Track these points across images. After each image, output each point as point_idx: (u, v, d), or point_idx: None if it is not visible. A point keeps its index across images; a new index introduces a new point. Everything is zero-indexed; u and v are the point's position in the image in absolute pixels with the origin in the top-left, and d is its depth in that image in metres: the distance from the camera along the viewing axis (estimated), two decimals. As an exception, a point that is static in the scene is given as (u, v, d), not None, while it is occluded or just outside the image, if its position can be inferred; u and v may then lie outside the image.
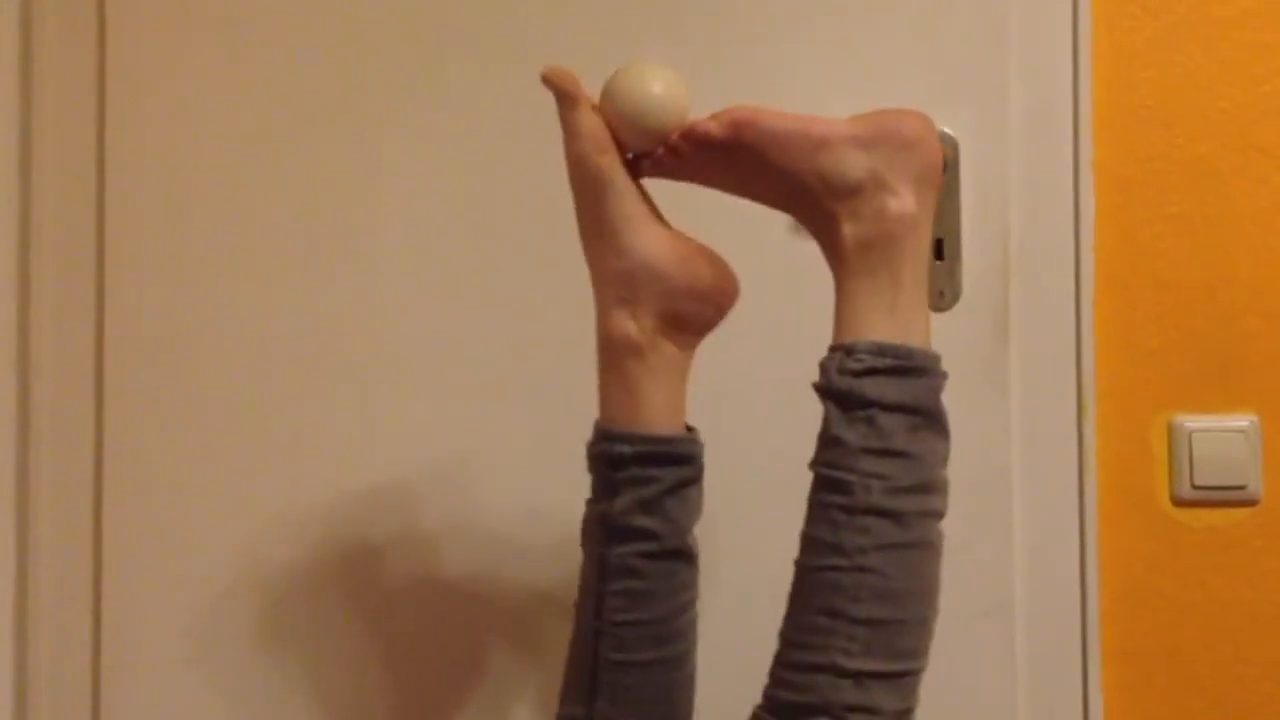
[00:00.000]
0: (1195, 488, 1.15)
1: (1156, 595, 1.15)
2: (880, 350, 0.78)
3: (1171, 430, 1.15)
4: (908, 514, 0.77)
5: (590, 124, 0.84)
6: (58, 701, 1.21)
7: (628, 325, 0.84)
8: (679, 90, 0.84)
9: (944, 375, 0.81)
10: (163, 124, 1.22)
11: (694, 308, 0.85)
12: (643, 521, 0.84)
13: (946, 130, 1.15)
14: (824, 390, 0.79)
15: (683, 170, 0.85)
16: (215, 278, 1.21)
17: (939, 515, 0.80)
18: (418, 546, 1.18)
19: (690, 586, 0.87)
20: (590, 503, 0.87)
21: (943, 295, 1.15)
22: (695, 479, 0.86)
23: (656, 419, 0.85)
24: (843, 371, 0.78)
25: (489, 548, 1.18)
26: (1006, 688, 1.14)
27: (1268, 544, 1.15)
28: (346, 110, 1.21)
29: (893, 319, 0.79)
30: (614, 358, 0.85)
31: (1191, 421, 1.15)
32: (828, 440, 0.78)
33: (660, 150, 0.83)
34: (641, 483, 0.84)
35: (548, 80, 0.85)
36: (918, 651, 0.78)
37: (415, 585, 1.18)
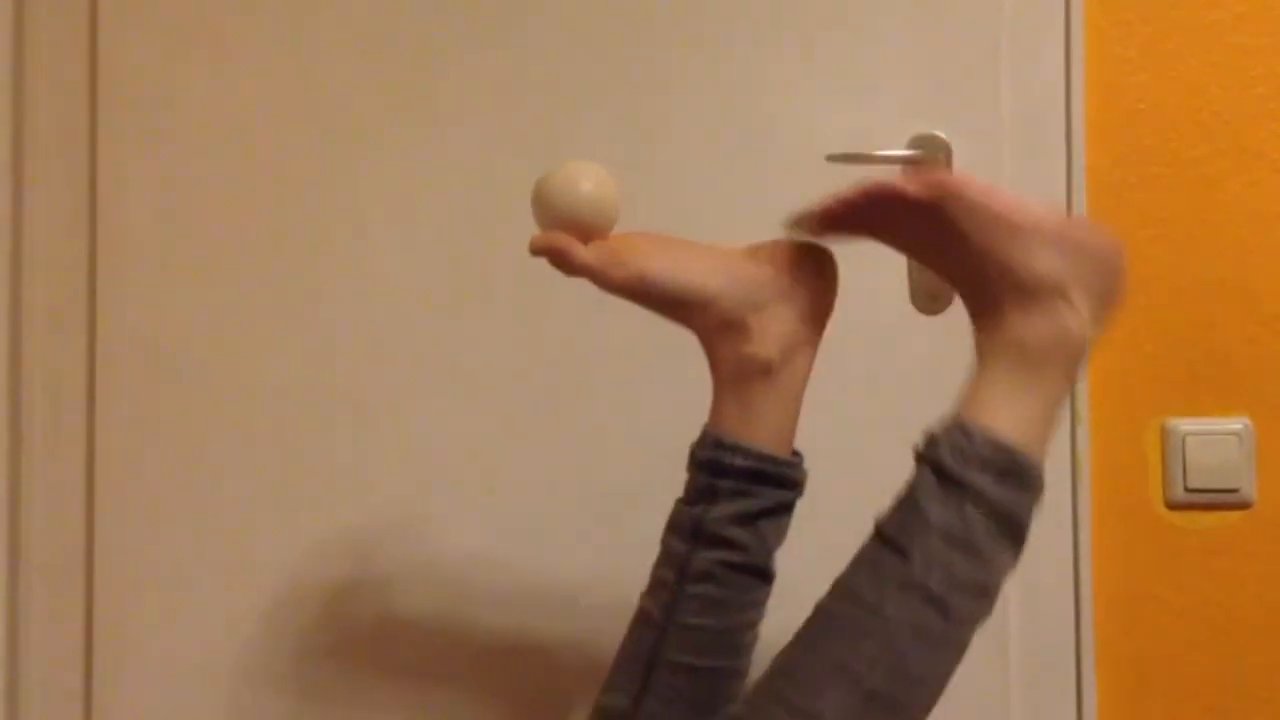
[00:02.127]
0: (1189, 491, 1.15)
1: (1150, 598, 1.15)
2: (999, 447, 0.75)
3: (1165, 433, 1.15)
4: (955, 609, 0.74)
5: (591, 256, 0.84)
6: (49, 708, 1.20)
7: (760, 348, 0.84)
8: (609, 188, 0.84)
9: (1042, 495, 0.78)
10: (155, 133, 1.22)
11: (805, 299, 0.86)
12: (736, 533, 0.84)
13: (939, 134, 1.15)
14: (927, 459, 0.76)
15: (865, 228, 0.83)
16: (207, 287, 1.21)
17: (979, 622, 0.77)
18: (412, 556, 1.18)
19: (761, 605, 0.87)
20: (683, 503, 0.87)
21: (935, 299, 1.15)
22: (792, 505, 0.87)
23: (771, 438, 0.85)
24: (954, 449, 0.75)
25: (485, 562, 1.18)
26: (1000, 691, 1.14)
27: (1261, 547, 1.15)
28: (340, 119, 1.20)
29: (1021, 422, 0.76)
30: (741, 375, 0.85)
31: (1185, 425, 1.15)
32: (910, 506, 0.75)
33: (834, 203, 0.81)
34: (745, 496, 0.84)
35: (535, 253, 0.85)
36: None
37: (409, 595, 1.18)
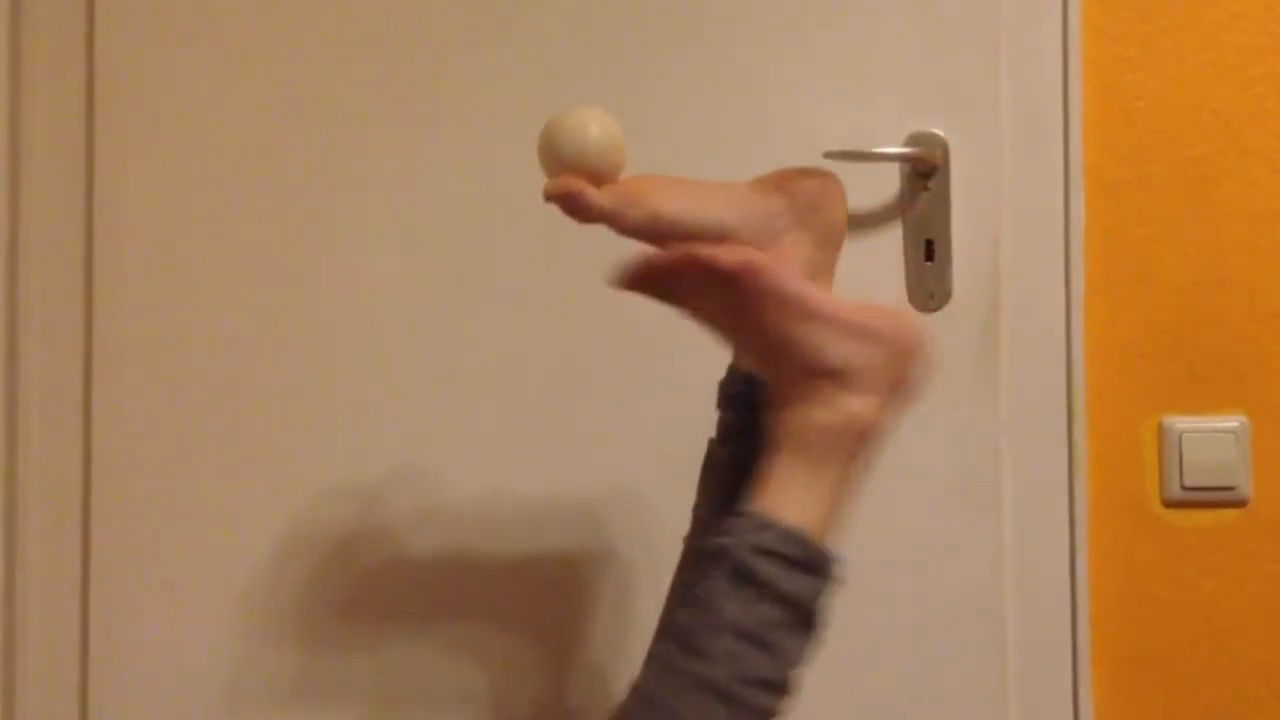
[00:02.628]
0: (1185, 489, 1.15)
1: (1147, 596, 1.15)
2: (791, 537, 0.75)
3: (1161, 431, 1.15)
4: (748, 706, 0.74)
5: (605, 199, 0.82)
6: (46, 706, 1.20)
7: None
8: (616, 132, 0.82)
9: (832, 580, 0.78)
10: (152, 130, 1.22)
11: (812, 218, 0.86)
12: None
13: (937, 132, 1.15)
14: (720, 552, 0.76)
15: (670, 294, 0.82)
16: (204, 284, 1.21)
17: (771, 715, 0.76)
18: (410, 551, 1.18)
19: None
20: (717, 442, 0.88)
21: (932, 297, 1.15)
22: None
23: None
24: (747, 544, 0.75)
25: (485, 549, 1.18)
26: (997, 690, 1.14)
27: (1258, 545, 1.15)
28: (336, 115, 1.20)
29: (810, 510, 0.77)
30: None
31: (1181, 423, 1.15)
32: (702, 601, 0.75)
33: (660, 266, 0.80)
34: None
35: (549, 199, 0.83)
36: None
37: (406, 589, 1.18)
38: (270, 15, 1.21)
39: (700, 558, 0.78)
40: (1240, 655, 1.15)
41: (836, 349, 0.78)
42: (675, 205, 0.83)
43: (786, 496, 0.77)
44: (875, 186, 1.16)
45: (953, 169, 1.15)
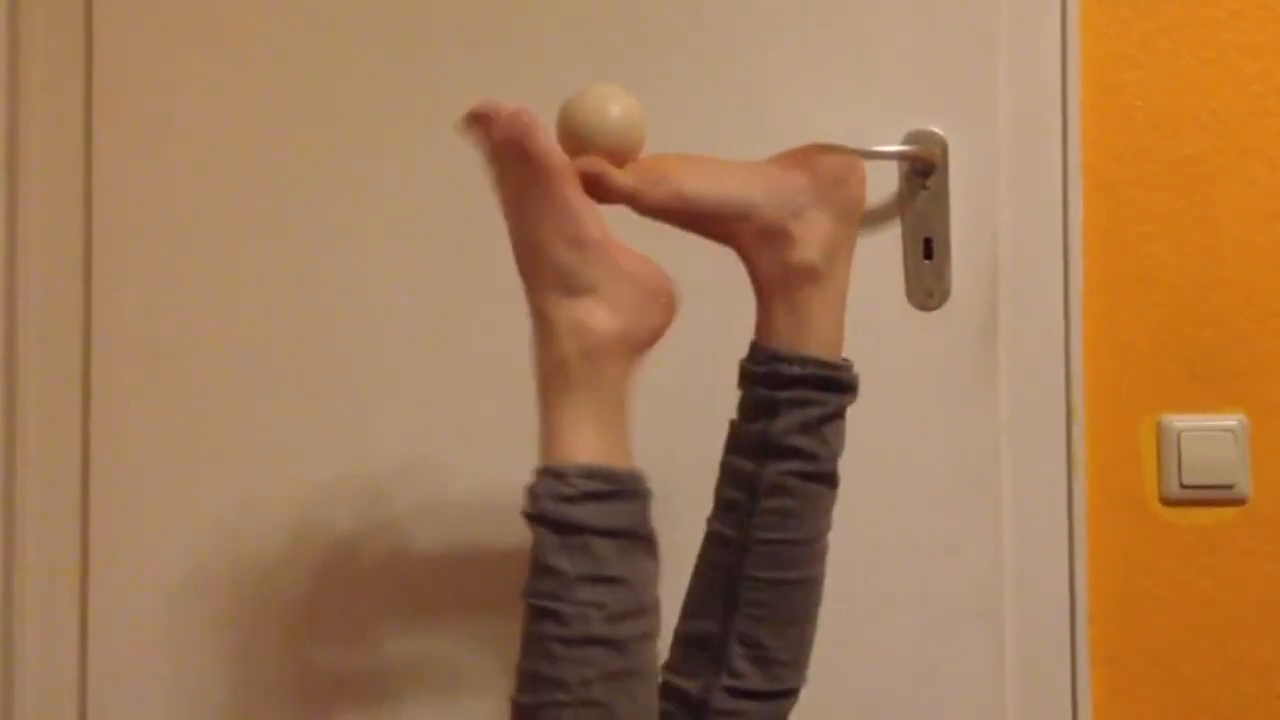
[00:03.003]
0: (1184, 487, 1.15)
1: (1145, 595, 1.15)
2: (590, 473, 0.76)
3: (1160, 430, 1.15)
4: (627, 640, 0.75)
5: (627, 178, 0.82)
6: (44, 701, 1.20)
7: (805, 254, 0.85)
8: (636, 109, 0.82)
9: (649, 494, 0.79)
10: (150, 127, 1.22)
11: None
12: (802, 442, 0.85)
13: (935, 130, 1.15)
14: (536, 518, 0.76)
15: (492, 148, 0.84)
16: (202, 280, 1.21)
17: (653, 637, 0.78)
18: (407, 546, 1.18)
19: (830, 513, 0.88)
20: (741, 421, 0.88)
21: (931, 295, 1.15)
22: (844, 410, 0.88)
23: (823, 345, 0.86)
24: (556, 498, 0.76)
25: (481, 545, 1.17)
26: (995, 688, 1.14)
27: (1256, 543, 1.15)
28: (333, 112, 1.20)
29: (597, 438, 0.77)
30: (789, 283, 0.86)
31: (1180, 421, 1.15)
32: (542, 569, 0.76)
33: (496, 114, 0.82)
34: (807, 404, 0.85)
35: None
36: None
37: (407, 587, 1.18)
38: (269, 15, 1.21)
39: (531, 530, 0.77)
40: (1238, 653, 1.15)
41: (590, 270, 0.79)
42: (697, 184, 0.84)
43: (569, 435, 0.78)
44: (874, 185, 1.14)
45: (951, 167, 1.15)
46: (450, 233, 1.19)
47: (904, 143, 1.15)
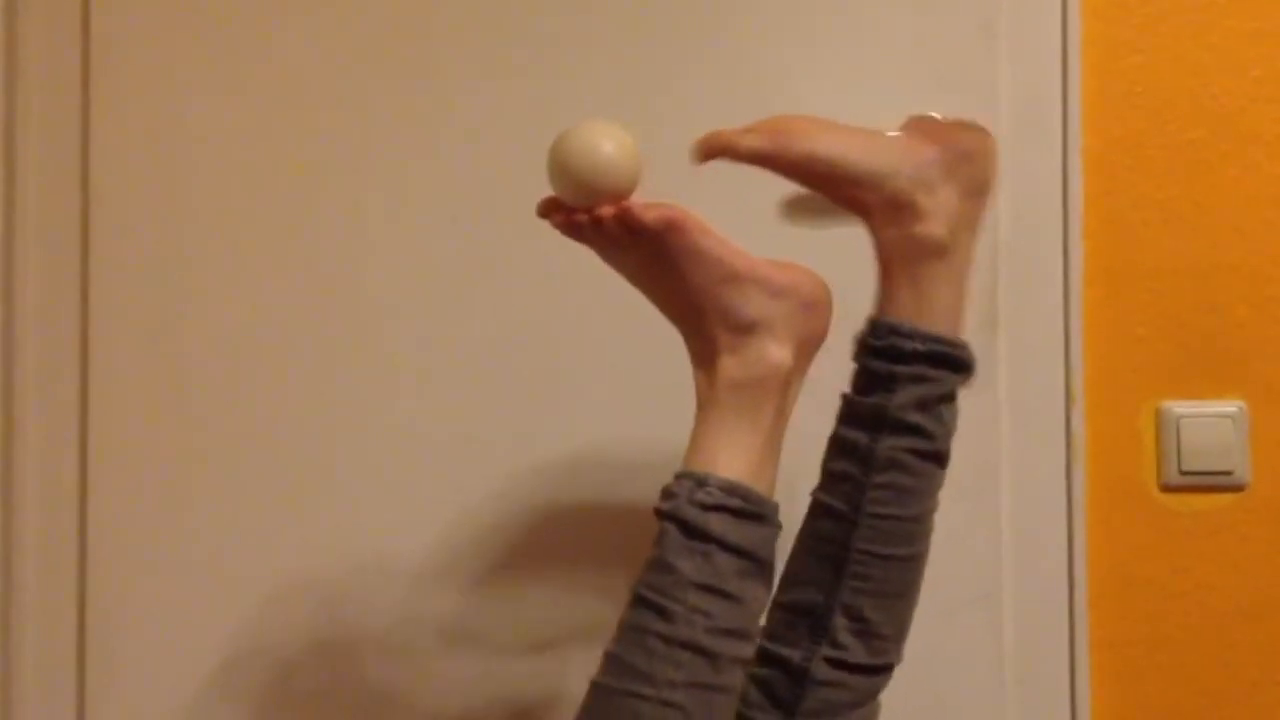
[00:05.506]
0: (1183, 474, 1.15)
1: (1144, 581, 1.16)
2: (732, 490, 0.78)
3: (1160, 416, 1.16)
4: (723, 656, 0.76)
5: (757, 139, 0.84)
6: (45, 705, 1.20)
7: (934, 228, 0.85)
8: (633, 156, 0.81)
9: (779, 527, 0.81)
10: (148, 118, 1.21)
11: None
12: (920, 419, 0.85)
13: (935, 117, 1.14)
14: (668, 514, 0.78)
15: (597, 242, 0.83)
16: (201, 271, 1.21)
17: (746, 664, 0.79)
18: (411, 548, 1.18)
19: (938, 491, 0.89)
20: (855, 394, 0.88)
21: (932, 282, 1.15)
22: (958, 389, 0.88)
23: (944, 321, 0.86)
24: (692, 502, 0.77)
25: (480, 543, 1.17)
26: (994, 674, 1.14)
27: (1255, 530, 1.15)
28: (334, 103, 1.20)
29: (747, 462, 0.79)
30: (914, 257, 0.86)
31: (1180, 407, 1.15)
32: (660, 565, 0.77)
33: (583, 216, 0.81)
34: (925, 381, 0.85)
35: (703, 157, 0.85)
36: None
37: (408, 586, 1.18)
38: (267, 11, 1.21)
39: (660, 527, 0.79)
40: (1237, 639, 1.15)
41: (753, 304, 0.81)
42: (830, 147, 0.85)
43: (718, 452, 0.79)
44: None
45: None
46: (452, 231, 1.19)
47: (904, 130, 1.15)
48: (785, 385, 0.81)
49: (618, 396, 1.17)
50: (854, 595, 0.85)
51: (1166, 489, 1.16)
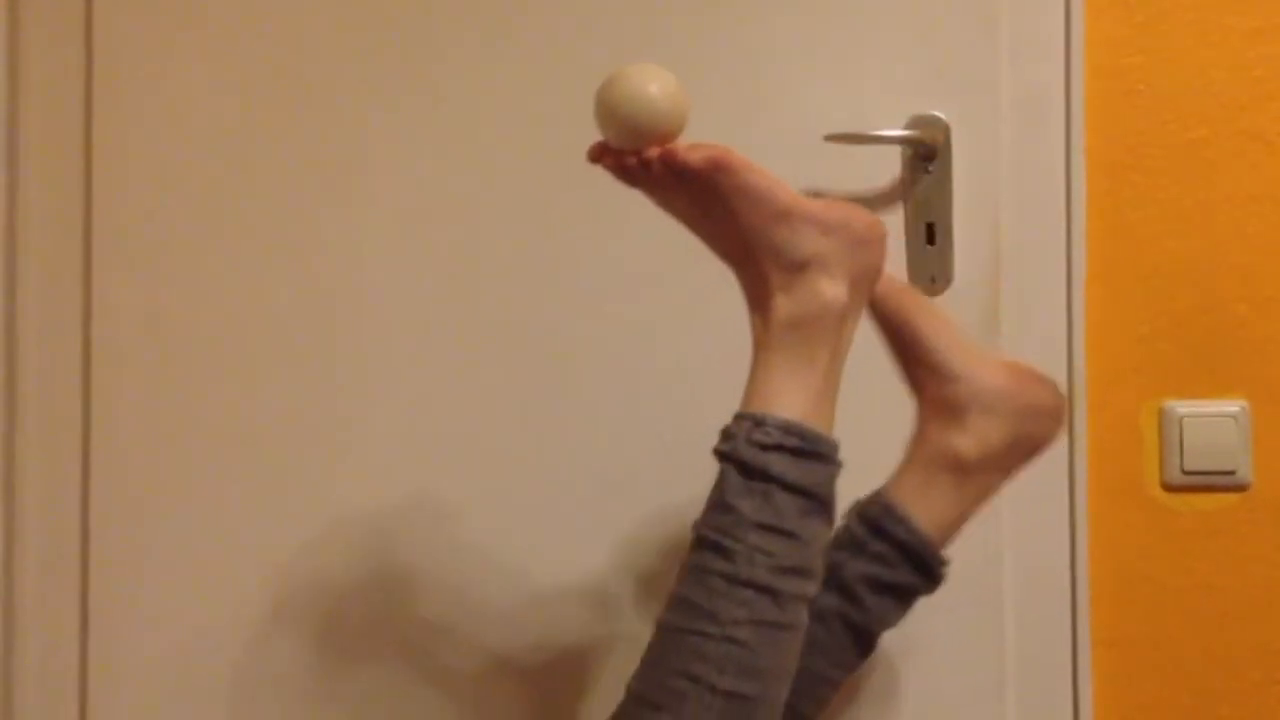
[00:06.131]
0: (1185, 473, 1.15)
1: (1146, 580, 1.15)
2: (789, 429, 0.78)
3: (1162, 415, 1.15)
4: (785, 594, 0.77)
5: (888, 290, 0.91)
6: (45, 699, 1.20)
7: (967, 446, 0.89)
8: (678, 97, 0.81)
9: (840, 465, 0.82)
10: (149, 117, 1.21)
11: (1031, 427, 0.91)
12: (865, 593, 0.89)
13: (938, 114, 1.14)
14: (727, 455, 0.79)
15: (648, 186, 0.84)
16: (202, 271, 1.20)
17: (810, 601, 0.80)
18: (412, 548, 1.18)
19: (847, 672, 0.92)
20: (830, 546, 0.88)
21: (934, 280, 1.15)
22: (916, 597, 0.92)
23: (936, 527, 0.89)
24: (750, 442, 0.78)
25: (480, 542, 1.17)
26: (995, 673, 1.14)
27: (1257, 529, 1.15)
28: (332, 103, 1.20)
29: (804, 401, 0.80)
30: (937, 460, 0.90)
31: (1182, 407, 1.15)
32: (720, 505, 0.78)
33: (632, 159, 0.82)
34: (887, 564, 0.89)
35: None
36: None
37: (408, 586, 1.18)
38: (269, 11, 1.20)
39: (720, 468, 0.80)
40: (1238, 639, 1.15)
41: (805, 241, 0.81)
42: (929, 328, 0.91)
43: (775, 392, 0.80)
44: (876, 169, 1.15)
45: (954, 152, 1.14)
46: (453, 229, 1.19)
47: (906, 127, 1.15)
48: (840, 322, 0.81)
49: (617, 395, 1.16)
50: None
51: (1168, 488, 1.15)
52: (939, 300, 1.14)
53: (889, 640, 1.13)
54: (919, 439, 0.91)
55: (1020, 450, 0.91)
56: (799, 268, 0.81)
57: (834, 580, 0.87)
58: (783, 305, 0.81)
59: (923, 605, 1.13)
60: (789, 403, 0.79)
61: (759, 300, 0.82)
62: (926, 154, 1.14)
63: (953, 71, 1.15)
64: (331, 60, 1.20)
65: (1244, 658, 1.15)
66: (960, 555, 1.13)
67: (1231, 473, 1.15)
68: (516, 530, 1.17)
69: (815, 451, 0.79)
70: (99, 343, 1.20)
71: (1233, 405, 1.15)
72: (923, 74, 1.16)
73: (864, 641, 0.89)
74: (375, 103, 1.19)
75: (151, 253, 1.20)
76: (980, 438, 0.88)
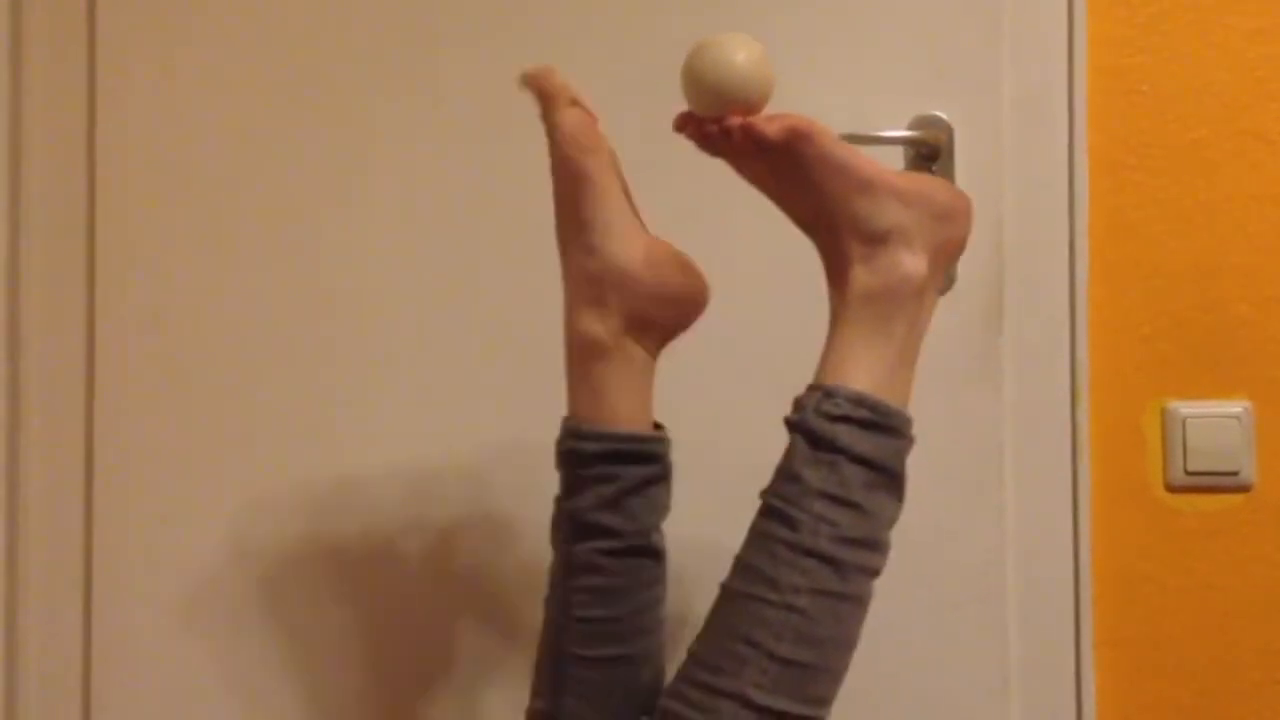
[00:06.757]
0: (1188, 474, 1.14)
1: (1149, 581, 1.15)
2: (860, 401, 0.77)
3: (1165, 416, 1.15)
4: (848, 565, 0.76)
5: (572, 121, 0.84)
6: (48, 686, 1.20)
7: (595, 326, 0.85)
8: (764, 68, 0.81)
9: (913, 440, 0.81)
10: (152, 117, 1.21)
11: (661, 312, 0.86)
12: (606, 519, 0.85)
13: (940, 115, 1.14)
14: (795, 425, 0.79)
15: (729, 154, 0.83)
16: (204, 267, 1.20)
17: (875, 573, 0.79)
18: (404, 529, 1.18)
19: (655, 584, 0.87)
20: (558, 499, 0.88)
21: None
22: (661, 478, 0.87)
23: (623, 418, 0.85)
24: (819, 413, 0.77)
25: (474, 533, 1.17)
26: (998, 673, 1.14)
27: (1260, 530, 1.15)
28: (334, 101, 1.20)
29: (878, 373, 0.79)
30: (581, 358, 0.86)
31: (1185, 407, 1.15)
32: (787, 474, 0.78)
33: (713, 127, 0.81)
34: (606, 480, 0.85)
35: (527, 82, 0.85)
36: (825, 700, 0.77)
37: (402, 566, 1.18)
38: (271, 11, 1.20)
39: (790, 438, 0.79)
40: (1241, 639, 1.15)
41: (893, 213, 0.80)
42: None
43: (848, 364, 0.79)
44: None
45: (957, 152, 1.14)
46: (454, 227, 1.19)
47: (909, 128, 1.15)
48: (919, 295, 0.80)
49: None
50: (576, 700, 0.84)
51: (1171, 489, 1.15)
52: (941, 301, 1.14)
53: (892, 640, 1.14)
54: (567, 342, 0.87)
55: (652, 331, 0.87)
56: (879, 239, 0.80)
57: (576, 527, 0.84)
58: (861, 276, 0.80)
59: (927, 606, 1.14)
60: (861, 375, 0.78)
61: (837, 271, 0.81)
62: (929, 154, 1.14)
63: (955, 72, 1.15)
64: (334, 60, 1.20)
65: (1247, 658, 1.15)
66: (963, 555, 1.14)
67: (1235, 473, 1.15)
68: (516, 530, 1.17)
69: (885, 424, 0.78)
70: (102, 342, 1.20)
71: (1236, 406, 1.15)
72: (925, 75, 1.16)
73: (645, 552, 0.86)
74: (378, 103, 1.19)
75: (155, 252, 1.21)
76: (610, 319, 0.85)
